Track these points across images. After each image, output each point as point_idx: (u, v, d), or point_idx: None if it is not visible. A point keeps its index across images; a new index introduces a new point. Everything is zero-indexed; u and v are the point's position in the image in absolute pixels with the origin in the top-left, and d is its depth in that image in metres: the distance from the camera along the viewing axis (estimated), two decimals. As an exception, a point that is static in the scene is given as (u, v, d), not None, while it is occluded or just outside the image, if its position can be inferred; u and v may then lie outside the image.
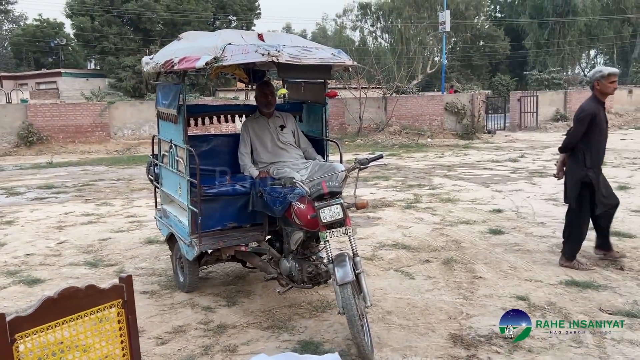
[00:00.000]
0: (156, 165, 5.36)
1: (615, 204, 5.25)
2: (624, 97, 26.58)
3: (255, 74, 5.40)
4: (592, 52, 53.73)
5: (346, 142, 19.14)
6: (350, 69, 4.57)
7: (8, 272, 5.53)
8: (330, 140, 5.13)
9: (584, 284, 4.70)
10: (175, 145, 4.62)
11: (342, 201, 3.65)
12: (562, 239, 5.39)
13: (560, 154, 5.41)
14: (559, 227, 6.55)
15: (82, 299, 2.10)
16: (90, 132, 19.61)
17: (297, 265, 4.07)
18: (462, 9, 42.30)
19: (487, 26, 48.74)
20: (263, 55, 3.71)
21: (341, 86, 22.84)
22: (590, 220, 5.29)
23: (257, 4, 46.01)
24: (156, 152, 5.36)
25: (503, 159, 14.36)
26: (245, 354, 3.64)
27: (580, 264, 5.17)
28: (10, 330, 1.87)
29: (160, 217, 5.32)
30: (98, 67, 45.06)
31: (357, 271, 3.55)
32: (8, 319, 1.89)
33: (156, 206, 5.68)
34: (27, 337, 1.92)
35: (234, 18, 44.49)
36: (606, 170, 5.26)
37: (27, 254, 6.19)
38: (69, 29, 46.50)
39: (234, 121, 5.64)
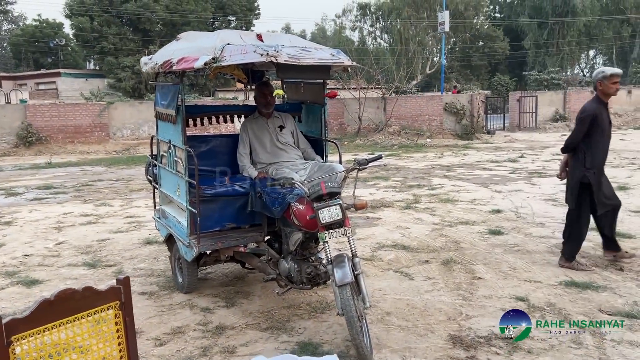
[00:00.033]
0: (155, 165, 5.35)
1: (616, 205, 5.24)
2: (623, 97, 26.57)
3: (254, 74, 5.39)
4: (592, 53, 53.77)
5: (345, 143, 19.13)
6: (350, 69, 4.56)
7: (6, 272, 5.52)
8: (330, 141, 5.12)
9: (583, 285, 4.69)
10: (174, 146, 4.61)
11: (341, 202, 3.64)
12: (562, 240, 5.38)
13: (563, 155, 5.40)
14: (559, 227, 6.55)
15: (79, 300, 2.09)
16: (89, 132, 19.60)
17: (296, 266, 4.06)
18: (461, 9, 42.30)
19: (486, 26, 48.76)
20: (262, 55, 3.70)
21: (340, 86, 22.84)
22: (594, 221, 5.28)
23: (256, 4, 45.99)
24: (155, 152, 5.35)
25: (502, 159, 14.36)
26: (244, 355, 3.63)
27: (579, 264, 5.16)
28: (6, 333, 1.85)
29: (159, 218, 5.31)
30: (97, 68, 45.05)
31: (356, 272, 3.54)
32: (4, 321, 1.87)
33: (155, 207, 5.66)
34: (24, 339, 1.91)
35: (234, 18, 44.48)
36: (606, 171, 5.25)
37: (26, 255, 6.17)
38: (68, 29, 46.53)
39: (233, 122, 5.63)
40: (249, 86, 5.63)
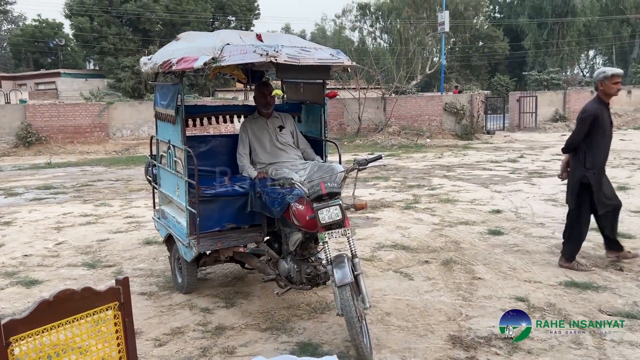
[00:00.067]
0: (154, 166, 5.35)
1: (616, 205, 5.23)
2: (623, 97, 26.56)
3: (253, 74, 5.39)
4: (591, 53, 53.78)
5: (345, 143, 19.13)
6: (349, 70, 4.56)
7: (6, 273, 5.51)
8: (329, 141, 5.12)
9: (583, 285, 4.69)
10: (174, 146, 4.61)
11: (340, 202, 3.64)
12: (562, 240, 5.38)
13: (564, 155, 5.40)
14: (558, 227, 6.54)
15: (78, 301, 2.08)
16: (89, 132, 19.59)
17: (295, 267, 4.05)
18: (461, 10, 42.30)
19: (486, 26, 48.76)
20: (261, 55, 3.69)
21: (340, 86, 22.83)
22: (595, 222, 5.28)
23: (256, 4, 45.97)
24: (154, 152, 5.34)
25: (502, 159, 14.36)
26: (244, 355, 3.63)
27: (579, 264, 5.15)
28: (5, 333, 1.85)
29: (159, 218, 5.30)
30: (97, 68, 45.05)
31: (355, 272, 3.54)
32: (3, 322, 1.87)
33: (154, 207, 5.66)
34: (23, 340, 1.90)
35: (233, 18, 44.47)
36: (606, 171, 5.25)
37: (25, 255, 6.17)
38: (68, 30, 46.53)
39: (232, 122, 5.62)
40: (248, 86, 5.62)
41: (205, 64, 3.71)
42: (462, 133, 21.28)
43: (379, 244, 6.24)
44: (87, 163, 15.93)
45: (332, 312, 4.20)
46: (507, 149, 17.04)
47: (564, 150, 5.31)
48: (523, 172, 11.88)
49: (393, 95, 22.69)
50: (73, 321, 2.07)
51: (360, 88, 21.83)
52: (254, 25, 46.36)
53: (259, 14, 46.85)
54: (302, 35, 53.64)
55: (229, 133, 6.49)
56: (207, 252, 4.67)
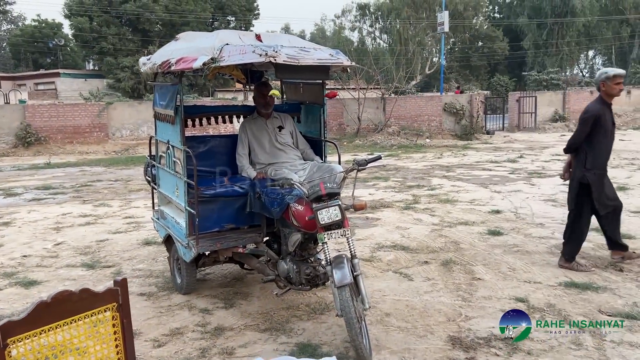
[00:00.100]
0: (154, 166, 5.34)
1: (617, 206, 5.22)
2: (623, 97, 26.55)
3: (253, 74, 5.38)
4: (591, 53, 53.82)
5: (345, 143, 19.12)
6: (349, 70, 4.55)
7: (4, 273, 5.50)
8: (329, 141, 5.11)
9: (583, 286, 4.68)
10: (173, 147, 4.60)
11: (340, 202, 3.63)
12: (563, 240, 5.37)
13: (567, 155, 5.39)
14: (558, 228, 6.54)
15: (76, 302, 2.07)
16: (88, 132, 19.57)
17: (295, 267, 4.05)
18: (460, 10, 42.32)
19: (485, 27, 48.77)
20: (260, 55, 3.68)
21: (340, 87, 22.84)
22: (597, 222, 5.27)
23: (255, 4, 45.97)
24: (154, 153, 5.34)
25: (502, 159, 14.35)
26: (243, 356, 3.62)
27: (579, 265, 5.15)
28: (2, 335, 1.84)
29: (158, 219, 5.29)
30: (96, 68, 45.03)
31: (355, 273, 3.53)
32: (0, 323, 1.86)
33: (154, 207, 5.65)
34: (20, 341, 1.89)
35: (233, 18, 44.46)
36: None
37: (24, 256, 6.16)
38: (67, 30, 46.51)
39: (232, 122, 5.61)
40: (248, 86, 5.62)
41: (204, 64, 3.70)
42: (462, 133, 21.27)
43: (379, 244, 6.23)
44: (86, 163, 15.92)
45: (331, 313, 4.19)
46: (506, 149, 17.04)
47: (566, 150, 5.31)
48: (522, 172, 11.88)
49: (392, 95, 22.68)
50: (71, 322, 2.06)
51: (360, 88, 21.83)
52: (253, 26, 46.39)
53: (258, 14, 46.87)
54: (302, 36, 53.67)
55: (228, 133, 6.48)
56: (206, 253, 4.67)
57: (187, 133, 4.55)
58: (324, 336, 3.87)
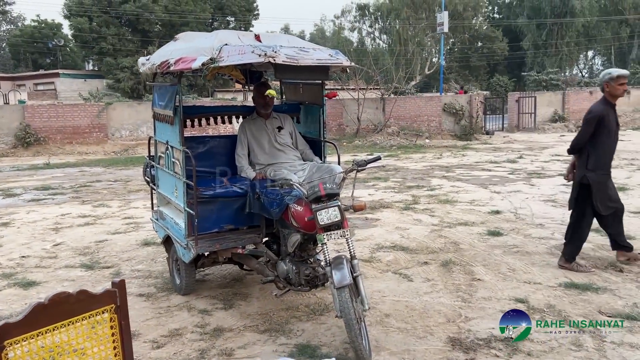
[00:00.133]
0: (153, 166, 5.33)
1: (618, 208, 5.21)
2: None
3: (252, 75, 5.36)
4: (590, 53, 53.84)
5: (344, 143, 19.11)
6: (348, 70, 4.55)
7: (3, 274, 5.48)
8: (328, 142, 5.10)
9: (583, 286, 4.67)
10: (172, 147, 4.59)
11: (339, 203, 3.62)
12: (564, 240, 5.35)
13: (571, 156, 5.38)
14: (558, 228, 6.54)
15: (73, 304, 2.06)
16: (87, 133, 19.56)
17: (294, 268, 4.03)
18: (460, 10, 42.32)
19: (485, 27, 48.77)
20: (260, 56, 3.67)
21: (339, 87, 22.82)
22: (599, 223, 5.26)
23: (255, 4, 45.95)
24: (153, 153, 5.32)
25: (501, 160, 14.35)
26: (242, 357, 3.61)
27: (579, 265, 5.14)
28: (-1, 337, 1.83)
29: (157, 219, 5.28)
30: (96, 68, 45.00)
31: (354, 274, 3.52)
32: (-3, 325, 1.85)
33: (153, 208, 5.64)
34: (17, 344, 1.88)
35: (232, 19, 44.44)
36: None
37: (23, 256, 6.14)
38: (67, 30, 46.47)
39: (231, 122, 5.60)
40: (247, 87, 5.61)
41: (203, 64, 3.69)
42: (461, 133, 21.28)
43: (378, 245, 6.22)
44: (85, 164, 15.90)
45: (330, 314, 4.18)
46: (506, 150, 17.04)
47: (569, 151, 5.30)
48: (522, 172, 11.87)
49: (392, 95, 22.68)
50: (69, 324, 2.05)
51: (360, 88, 21.82)
52: (253, 26, 46.38)
53: (258, 14, 46.86)
54: (301, 36, 53.63)
55: (227, 134, 6.47)
56: (206, 254, 4.65)
57: (186, 133, 4.53)
58: (323, 337, 3.86)
